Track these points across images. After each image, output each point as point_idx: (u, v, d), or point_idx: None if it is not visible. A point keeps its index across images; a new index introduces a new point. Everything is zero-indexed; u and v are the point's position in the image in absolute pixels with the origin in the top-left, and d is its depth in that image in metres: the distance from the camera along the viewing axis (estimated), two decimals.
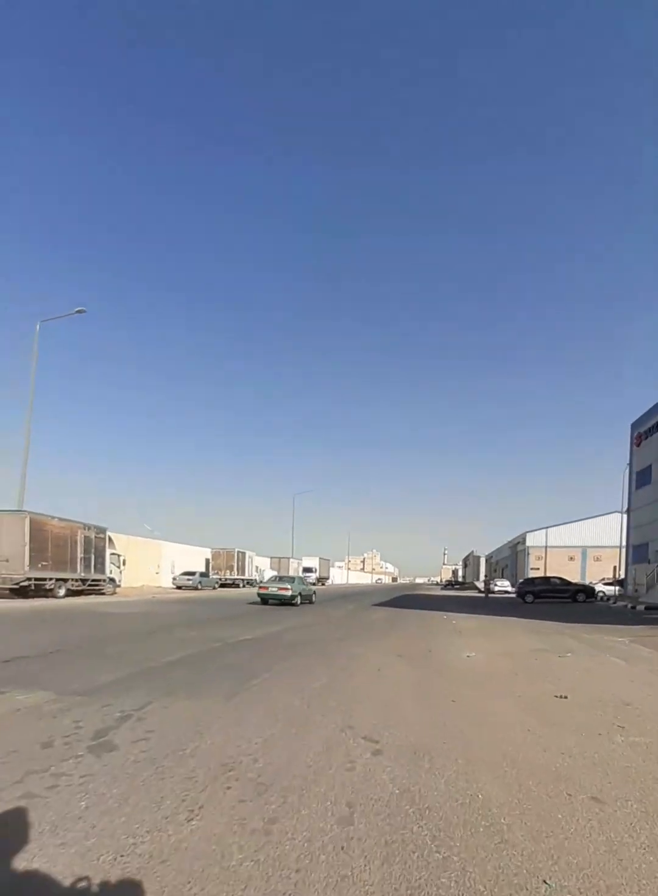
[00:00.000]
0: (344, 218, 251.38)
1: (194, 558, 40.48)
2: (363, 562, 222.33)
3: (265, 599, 20.64)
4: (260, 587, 21.93)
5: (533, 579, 26.59)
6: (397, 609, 19.79)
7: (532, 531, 54.33)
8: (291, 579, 22.57)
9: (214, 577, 39.43)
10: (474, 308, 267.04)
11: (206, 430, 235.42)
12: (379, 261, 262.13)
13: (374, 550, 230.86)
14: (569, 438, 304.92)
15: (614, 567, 41.86)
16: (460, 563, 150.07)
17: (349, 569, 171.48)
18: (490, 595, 37.03)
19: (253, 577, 45.49)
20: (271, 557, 53.69)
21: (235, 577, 41.34)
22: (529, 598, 24.84)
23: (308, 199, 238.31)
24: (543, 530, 53.48)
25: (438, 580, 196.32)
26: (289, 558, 53.61)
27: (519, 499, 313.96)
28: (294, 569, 54.94)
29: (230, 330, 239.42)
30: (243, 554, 42.98)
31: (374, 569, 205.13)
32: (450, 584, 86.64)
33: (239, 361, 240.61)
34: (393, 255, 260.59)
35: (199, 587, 35.03)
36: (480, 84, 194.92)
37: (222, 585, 40.26)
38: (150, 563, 35.86)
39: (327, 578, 75.26)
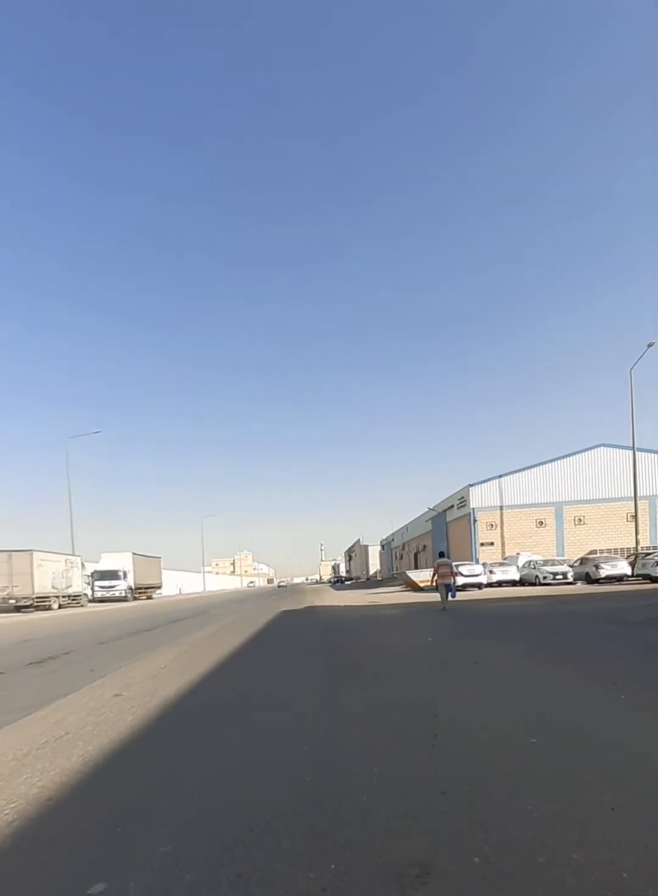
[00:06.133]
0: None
1: None
2: (233, 564, 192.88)
3: None
4: None
5: None
6: None
7: (476, 484, 34.23)
8: None
9: None
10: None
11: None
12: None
13: (246, 551, 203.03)
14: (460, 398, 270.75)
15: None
16: (342, 555, 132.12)
17: (217, 573, 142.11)
18: (454, 596, 15.20)
19: None
20: None
21: None
22: None
23: None
24: (495, 480, 33.83)
25: (317, 578, 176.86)
26: (31, 551, 25.18)
27: (402, 479, 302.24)
28: (48, 575, 26.81)
29: None
30: None
31: (246, 571, 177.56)
32: (339, 582, 65.27)
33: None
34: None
35: None
36: None
37: None
38: None
39: (158, 587, 47.45)
